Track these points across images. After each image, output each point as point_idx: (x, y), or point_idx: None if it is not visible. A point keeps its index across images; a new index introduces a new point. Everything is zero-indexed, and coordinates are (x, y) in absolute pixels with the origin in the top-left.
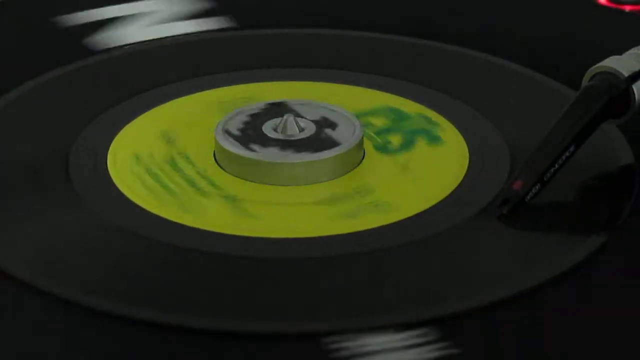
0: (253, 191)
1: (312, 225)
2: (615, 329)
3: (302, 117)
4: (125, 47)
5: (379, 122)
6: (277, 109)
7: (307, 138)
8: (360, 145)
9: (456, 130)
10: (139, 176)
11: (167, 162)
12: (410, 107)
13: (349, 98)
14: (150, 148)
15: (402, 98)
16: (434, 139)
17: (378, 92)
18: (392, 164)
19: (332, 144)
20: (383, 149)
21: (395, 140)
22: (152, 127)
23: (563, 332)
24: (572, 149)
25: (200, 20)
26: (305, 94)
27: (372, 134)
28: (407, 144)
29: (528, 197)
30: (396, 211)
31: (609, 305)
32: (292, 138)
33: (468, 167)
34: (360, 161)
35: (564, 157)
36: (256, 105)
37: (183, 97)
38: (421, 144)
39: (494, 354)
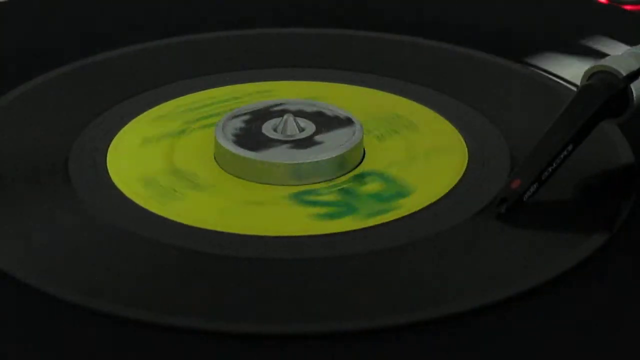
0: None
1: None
2: (615, 329)
3: (305, 117)
4: (127, 47)
5: (371, 187)
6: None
7: (307, 138)
8: (357, 149)
9: (456, 130)
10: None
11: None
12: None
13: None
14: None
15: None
16: (327, 216)
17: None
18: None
19: (330, 145)
20: (303, 199)
21: (328, 197)
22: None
23: (563, 332)
24: (570, 148)
25: None
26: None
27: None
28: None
29: (526, 196)
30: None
31: (609, 305)
32: (292, 138)
33: (468, 167)
34: (358, 164)
35: (562, 156)
36: (258, 105)
37: (182, 97)
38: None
39: (494, 354)
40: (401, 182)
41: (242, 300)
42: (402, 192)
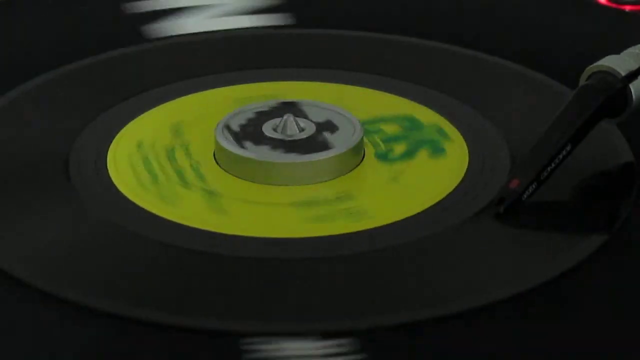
0: (238, 188)
1: (286, 227)
2: (614, 329)
3: (305, 117)
4: (127, 47)
5: (390, 129)
6: (284, 108)
7: (306, 139)
8: (356, 149)
9: (456, 130)
10: (138, 175)
11: (165, 155)
12: (426, 116)
13: (367, 102)
14: (151, 142)
15: (417, 104)
16: (437, 151)
17: (394, 96)
18: (386, 172)
19: (329, 146)
20: (383, 156)
21: (399, 148)
22: (153, 126)
23: (563, 332)
24: (568, 147)
25: (261, 16)
26: (314, 94)
27: (379, 141)
28: (408, 154)
29: (524, 195)
30: (371, 219)
31: (608, 305)
32: (292, 138)
33: (468, 167)
34: (358, 164)
35: (560, 156)
36: (257, 104)
37: (183, 97)
38: (423, 155)
39: (493, 354)
40: (403, 114)
41: (242, 299)
42: (415, 122)
